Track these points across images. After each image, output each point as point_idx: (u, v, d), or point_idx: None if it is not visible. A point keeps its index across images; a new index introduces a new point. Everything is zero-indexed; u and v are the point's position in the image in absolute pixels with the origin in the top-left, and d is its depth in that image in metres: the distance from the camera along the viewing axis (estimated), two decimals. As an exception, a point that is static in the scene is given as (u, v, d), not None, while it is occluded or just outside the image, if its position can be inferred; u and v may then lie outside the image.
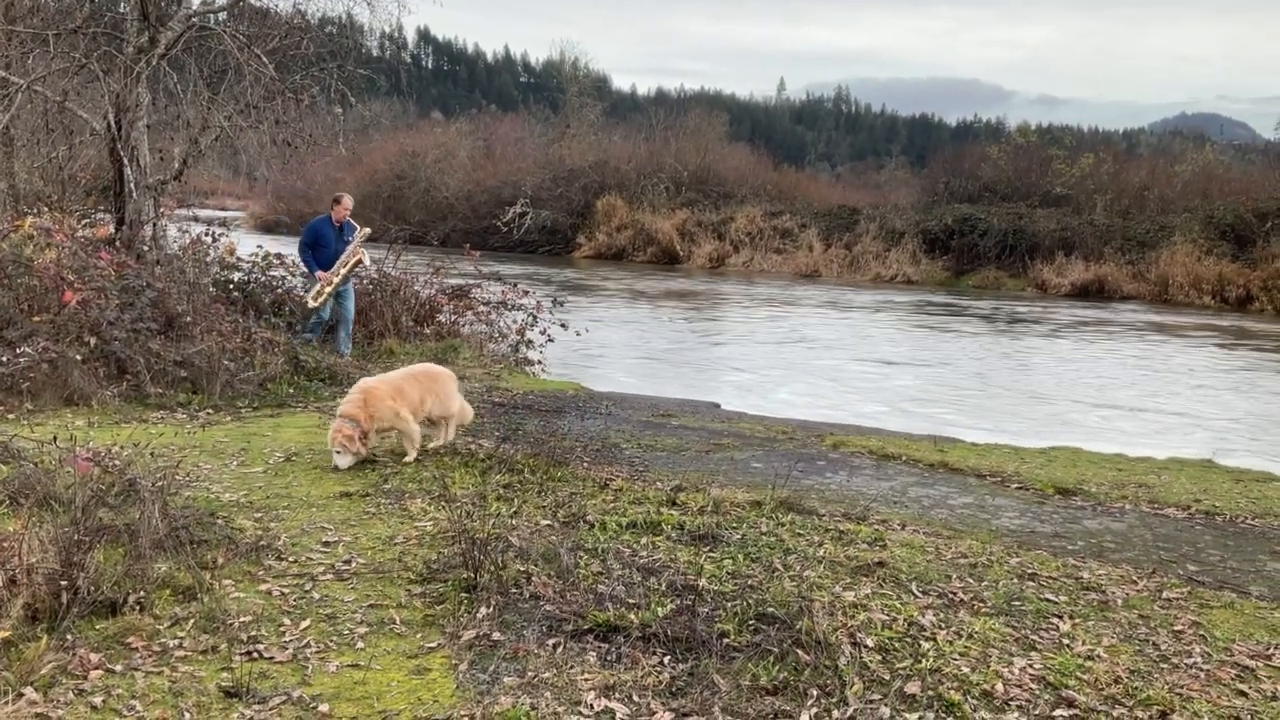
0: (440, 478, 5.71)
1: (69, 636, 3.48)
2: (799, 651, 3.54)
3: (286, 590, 4.10)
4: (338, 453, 6.11)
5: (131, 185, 10.87)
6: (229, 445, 6.71)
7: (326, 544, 4.71)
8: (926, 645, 3.71)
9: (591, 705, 3.23)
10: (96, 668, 3.33)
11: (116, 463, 5.15)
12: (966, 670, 3.53)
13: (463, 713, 3.16)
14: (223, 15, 12.16)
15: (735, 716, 3.19)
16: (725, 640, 3.65)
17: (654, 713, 3.20)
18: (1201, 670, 3.69)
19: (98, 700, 3.15)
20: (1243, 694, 3.52)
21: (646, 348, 16.45)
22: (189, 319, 8.95)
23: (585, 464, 6.52)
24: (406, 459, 6.36)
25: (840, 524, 5.32)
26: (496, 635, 3.71)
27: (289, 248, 13.00)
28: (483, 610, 3.90)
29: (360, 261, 10.71)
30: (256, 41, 11.41)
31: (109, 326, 8.26)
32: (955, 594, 4.31)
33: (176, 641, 3.56)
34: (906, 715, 3.22)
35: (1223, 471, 7.90)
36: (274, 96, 11.41)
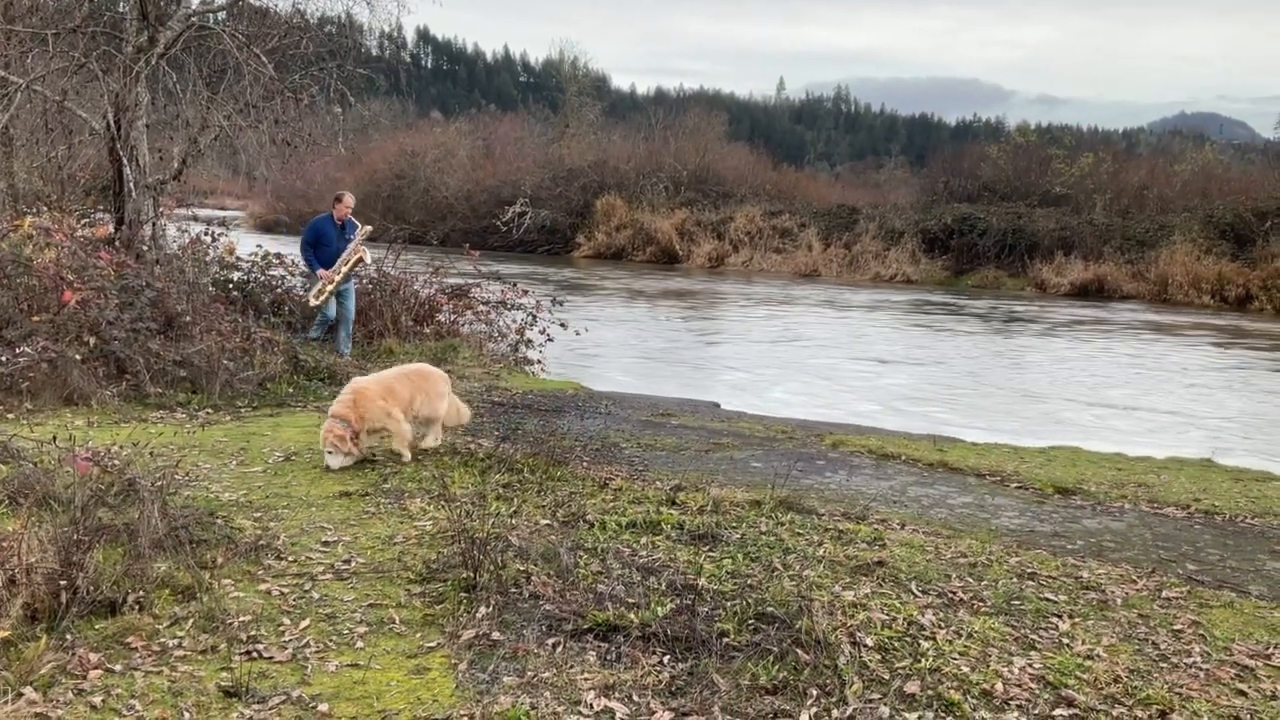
0: (440, 477, 5.71)
1: (68, 636, 3.47)
2: (798, 651, 3.54)
3: (286, 590, 4.10)
4: (329, 453, 6.11)
5: (131, 185, 10.87)
6: (228, 445, 6.71)
7: (326, 543, 4.71)
8: (926, 645, 3.71)
9: (591, 705, 3.23)
10: (96, 667, 3.33)
11: (116, 462, 5.16)
12: (966, 670, 3.53)
13: (462, 712, 3.16)
14: (222, 15, 12.17)
15: (735, 716, 3.19)
16: (725, 640, 3.65)
17: (654, 712, 3.20)
18: (1201, 670, 3.69)
19: (97, 700, 3.15)
20: (1242, 693, 3.52)
21: (643, 347, 16.46)
22: (188, 318, 8.95)
23: (585, 463, 6.52)
24: (403, 460, 6.35)
25: (840, 523, 5.32)
26: (496, 635, 3.71)
27: (288, 247, 13.01)
28: (482, 610, 3.90)
29: (361, 260, 10.71)
30: (256, 41, 11.40)
31: (108, 326, 8.26)
32: (955, 593, 4.31)
33: (176, 641, 3.56)
34: (906, 715, 3.22)
35: (1222, 471, 7.91)
36: (273, 96, 11.41)
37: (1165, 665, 3.71)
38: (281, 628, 3.74)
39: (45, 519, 4.21)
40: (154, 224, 11.15)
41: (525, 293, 13.37)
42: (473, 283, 13.58)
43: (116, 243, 10.47)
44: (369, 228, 10.86)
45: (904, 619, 3.94)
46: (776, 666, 3.45)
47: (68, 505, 4.37)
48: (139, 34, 10.80)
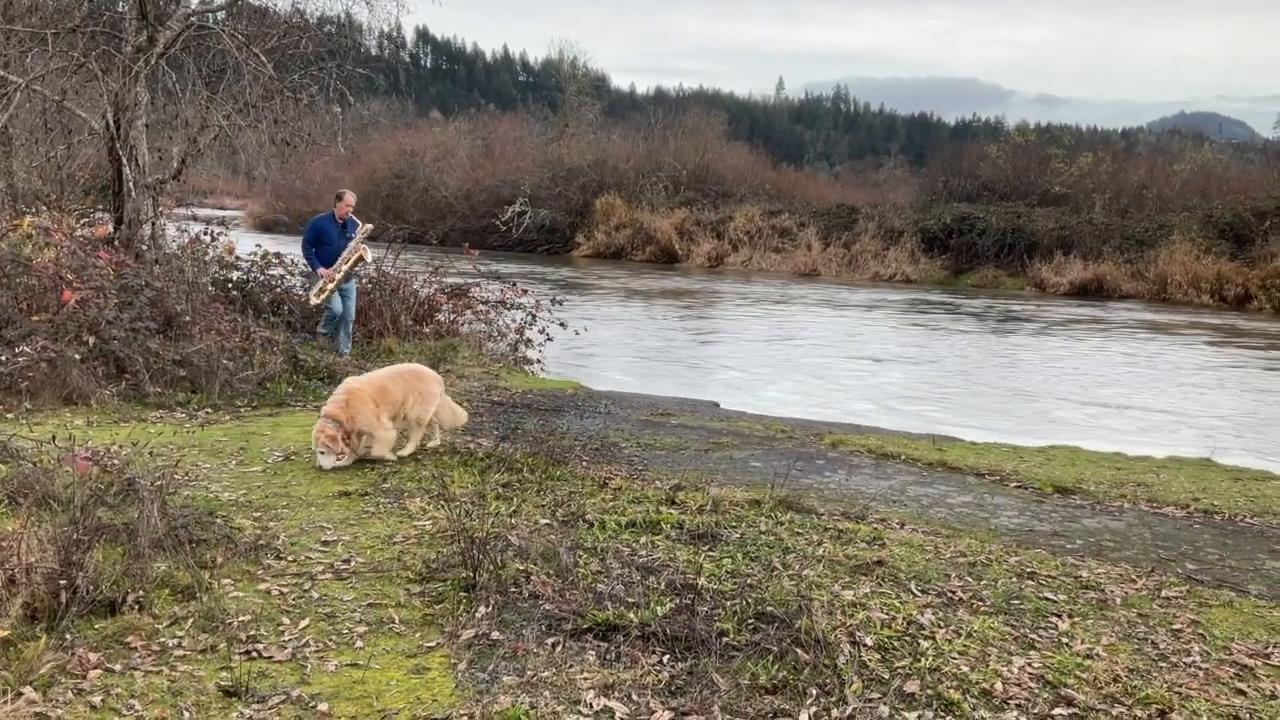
0: (439, 477, 5.71)
1: (68, 636, 3.47)
2: (798, 650, 3.54)
3: (285, 589, 4.10)
4: (321, 453, 6.11)
5: (130, 184, 10.87)
6: (228, 444, 6.71)
7: (325, 543, 4.71)
8: (925, 644, 3.72)
9: (591, 704, 3.23)
10: (95, 667, 3.32)
11: (115, 462, 5.16)
12: (965, 669, 3.54)
13: (462, 712, 3.16)
14: (221, 14, 12.17)
15: (734, 715, 3.19)
16: (724, 639, 3.66)
17: (653, 712, 3.20)
18: (1200, 669, 3.69)
19: (97, 699, 3.15)
20: (1241, 693, 3.52)
21: (640, 346, 16.47)
22: (188, 318, 8.95)
23: (584, 463, 6.52)
24: (384, 458, 6.32)
25: (839, 523, 5.32)
26: (495, 634, 3.71)
27: (287, 247, 13.01)
28: (482, 609, 3.90)
29: (362, 258, 10.72)
30: (255, 41, 11.40)
31: (108, 326, 8.26)
32: (954, 593, 4.31)
33: (175, 641, 3.56)
34: (905, 714, 3.22)
35: (1221, 470, 7.91)
36: (273, 96, 11.41)
37: (1164, 664, 3.72)
38: (281, 627, 3.74)
39: (45, 519, 4.21)
40: (153, 224, 11.15)
41: (524, 292, 13.37)
42: (472, 282, 13.57)
43: (116, 242, 10.47)
44: (370, 226, 10.87)
45: (903, 618, 3.94)
46: (776, 666, 3.45)
47: (67, 505, 4.37)
48: (138, 34, 10.80)
